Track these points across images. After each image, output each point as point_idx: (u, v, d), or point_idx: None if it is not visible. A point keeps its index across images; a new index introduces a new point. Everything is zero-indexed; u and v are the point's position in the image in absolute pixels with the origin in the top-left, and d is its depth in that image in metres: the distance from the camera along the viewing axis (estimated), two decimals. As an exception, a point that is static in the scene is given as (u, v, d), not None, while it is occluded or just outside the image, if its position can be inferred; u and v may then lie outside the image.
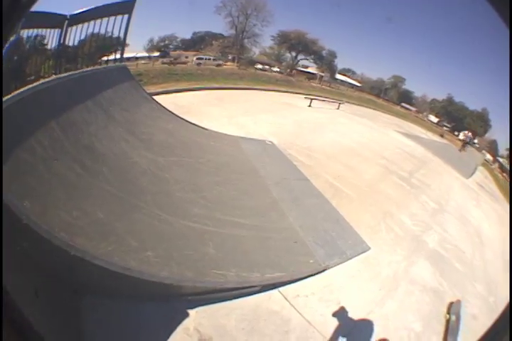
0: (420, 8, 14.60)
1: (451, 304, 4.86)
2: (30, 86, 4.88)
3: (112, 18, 9.08)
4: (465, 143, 15.95)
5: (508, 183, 12.69)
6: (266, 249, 4.70)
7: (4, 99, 3.88)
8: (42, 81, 6.20)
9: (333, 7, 15.20)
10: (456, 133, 16.68)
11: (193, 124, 8.42)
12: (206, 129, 8.57)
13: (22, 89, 4.42)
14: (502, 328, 1.77)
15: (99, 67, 9.50)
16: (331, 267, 4.86)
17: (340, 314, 4.14)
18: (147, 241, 3.83)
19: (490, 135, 15.87)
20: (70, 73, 7.31)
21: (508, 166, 13.86)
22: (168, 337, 3.23)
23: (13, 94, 4.07)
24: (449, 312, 4.67)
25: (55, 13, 7.52)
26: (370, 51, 16.32)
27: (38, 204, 3.24)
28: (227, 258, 4.16)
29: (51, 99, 5.04)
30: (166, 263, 3.65)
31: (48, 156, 4.02)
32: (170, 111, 8.38)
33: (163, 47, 14.90)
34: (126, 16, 9.32)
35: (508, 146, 14.27)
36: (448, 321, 4.51)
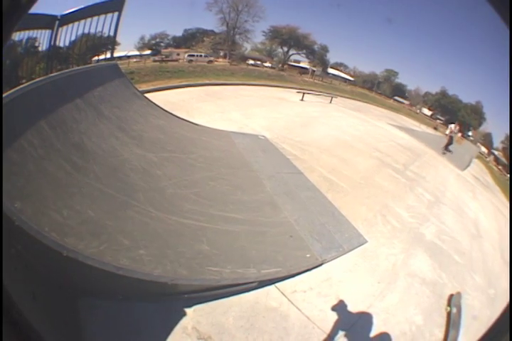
0: (418, 5, 14.69)
1: (451, 296, 4.83)
2: (20, 86, 4.81)
3: (103, 16, 9.06)
4: (449, 142, 13.80)
5: (508, 178, 12.80)
6: (261, 244, 4.65)
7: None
8: (32, 81, 6.15)
9: (332, 7, 15.26)
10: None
11: (185, 120, 8.39)
12: (198, 125, 8.52)
13: (12, 90, 4.35)
14: (502, 328, 1.75)
15: (89, 65, 9.46)
16: (328, 261, 4.81)
17: (340, 309, 4.11)
18: (139, 240, 3.77)
19: (484, 128, 15.95)
20: (60, 72, 7.25)
21: (503, 159, 13.95)
22: (166, 337, 3.18)
23: (4, 94, 4.01)
24: (449, 305, 4.64)
25: (46, 14, 7.47)
26: (363, 45, 16.40)
27: (29, 204, 3.19)
28: (222, 255, 4.10)
29: (41, 98, 4.96)
30: (160, 261, 3.60)
31: (37, 156, 3.95)
32: (161, 108, 8.33)
33: (154, 45, 14.89)
34: (116, 14, 9.30)
35: (503, 139, 14.40)
36: (449, 313, 4.48)
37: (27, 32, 7.03)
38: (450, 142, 13.98)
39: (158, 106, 8.34)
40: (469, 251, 6.49)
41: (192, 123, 8.33)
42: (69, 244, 3.01)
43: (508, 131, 13.16)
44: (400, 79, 18.04)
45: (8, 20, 1.73)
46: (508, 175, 13.25)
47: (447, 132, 14.10)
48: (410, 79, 17.78)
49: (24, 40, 7.05)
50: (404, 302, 4.53)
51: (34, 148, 3.95)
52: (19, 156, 3.62)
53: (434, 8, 14.01)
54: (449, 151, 13.89)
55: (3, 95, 3.93)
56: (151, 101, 8.37)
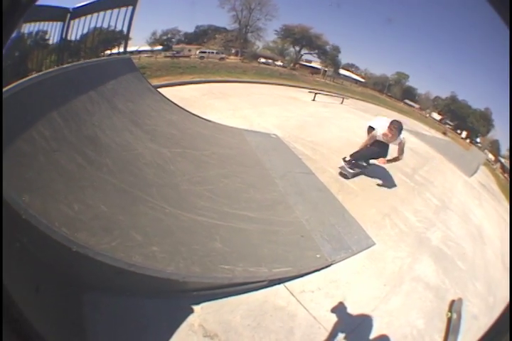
0: (423, 7, 14.62)
1: (452, 302, 4.83)
2: (32, 76, 4.81)
3: (116, 10, 9.02)
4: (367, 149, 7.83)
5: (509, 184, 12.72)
6: (273, 243, 4.66)
7: (5, 89, 3.84)
8: (44, 71, 6.13)
9: (332, 7, 15.20)
10: (458, 131, 16.60)
11: (197, 116, 8.40)
12: (210, 121, 8.52)
13: (23, 80, 4.34)
14: (502, 328, 1.75)
15: (102, 58, 9.47)
16: (337, 262, 4.83)
17: (346, 310, 4.12)
18: (152, 236, 3.76)
19: (492, 135, 15.84)
20: (73, 64, 7.26)
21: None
22: (172, 334, 3.17)
23: (14, 84, 4.00)
24: (450, 310, 4.64)
25: (58, 7, 7.46)
26: (373, 47, 16.32)
27: (38, 198, 3.15)
28: (234, 253, 4.11)
29: (53, 89, 4.97)
30: (172, 258, 3.59)
31: (48, 148, 3.93)
32: (174, 103, 8.34)
33: (165, 41, 14.84)
34: (130, 8, 9.25)
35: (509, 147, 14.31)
36: (449, 319, 4.48)
37: (38, 24, 7.01)
38: (369, 153, 8.01)
39: (172, 102, 8.35)
40: (472, 257, 6.48)
41: (205, 119, 8.33)
42: (80, 239, 2.98)
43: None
44: (411, 83, 17.96)
45: (9, 20, 1.74)
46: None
47: (379, 133, 7.68)
48: (421, 83, 17.70)
49: (35, 32, 7.04)
50: (408, 306, 4.55)
51: (45, 140, 3.93)
52: (29, 147, 3.61)
53: (435, 9, 13.93)
54: (356, 170, 7.99)
55: (11, 85, 3.94)
56: (165, 97, 8.39)
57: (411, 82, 18.01)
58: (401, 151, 7.73)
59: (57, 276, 2.80)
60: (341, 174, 7.91)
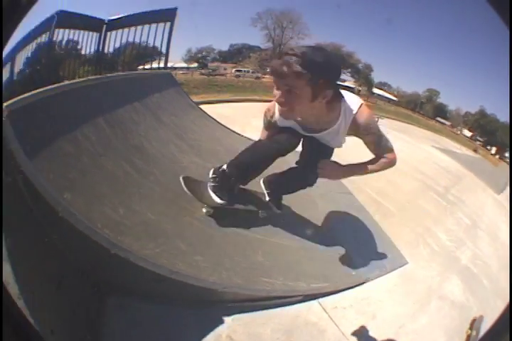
0: (422, 7, 14.48)
1: (474, 320, 4.82)
2: (72, 81, 4.97)
3: (154, 25, 9.14)
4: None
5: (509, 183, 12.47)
6: (312, 259, 4.72)
7: (51, 87, 4.10)
8: (89, 77, 6.32)
9: (333, 8, 15.22)
10: (488, 147, 16.40)
11: (239, 134, 8.48)
12: (251, 140, 8.38)
13: (63, 83, 4.49)
14: (502, 328, 1.77)
15: (144, 71, 9.66)
16: (371, 280, 4.87)
17: (375, 327, 4.10)
18: (197, 246, 3.82)
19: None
20: (117, 74, 7.47)
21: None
22: (197, 343, 3.14)
23: (60, 84, 4.14)
24: (471, 328, 4.62)
25: (93, 17, 7.70)
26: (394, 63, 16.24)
27: (81, 198, 3.19)
28: (275, 267, 4.16)
29: (97, 95, 5.15)
30: (215, 268, 3.62)
31: (94, 151, 4.03)
32: (215, 120, 8.46)
33: (200, 59, 15.09)
34: (168, 24, 9.37)
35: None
36: (469, 336, 4.46)
37: (71, 33, 7.17)
38: (264, 155, 4.09)
39: (213, 118, 8.47)
40: (497, 276, 6.41)
41: (246, 137, 8.20)
42: (123, 242, 2.97)
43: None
44: (442, 99, 17.78)
45: (8, 21, 1.76)
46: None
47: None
48: (451, 99, 17.54)
49: (67, 41, 7.20)
50: (433, 324, 4.52)
51: (91, 143, 4.05)
52: (73, 149, 3.71)
53: (434, 9, 13.79)
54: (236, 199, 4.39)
55: (57, 85, 4.13)
56: (206, 113, 8.51)
57: (442, 99, 17.88)
58: (381, 149, 3.78)
59: (82, 277, 2.76)
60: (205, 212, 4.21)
